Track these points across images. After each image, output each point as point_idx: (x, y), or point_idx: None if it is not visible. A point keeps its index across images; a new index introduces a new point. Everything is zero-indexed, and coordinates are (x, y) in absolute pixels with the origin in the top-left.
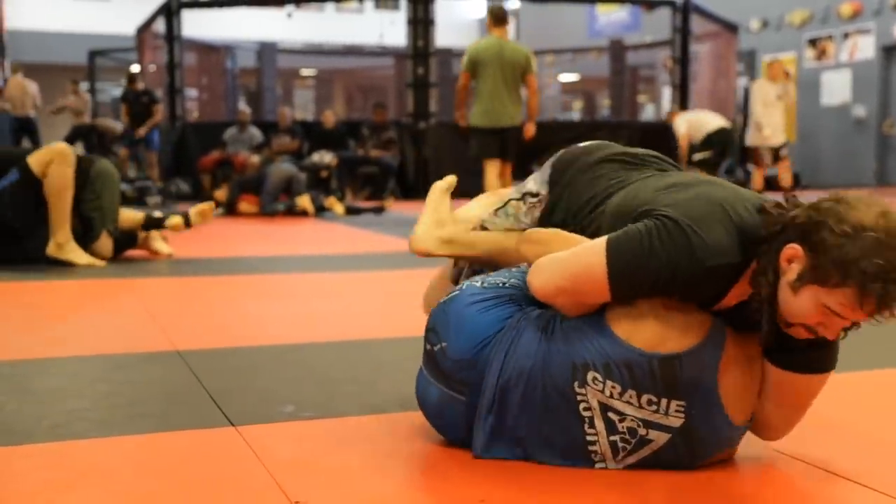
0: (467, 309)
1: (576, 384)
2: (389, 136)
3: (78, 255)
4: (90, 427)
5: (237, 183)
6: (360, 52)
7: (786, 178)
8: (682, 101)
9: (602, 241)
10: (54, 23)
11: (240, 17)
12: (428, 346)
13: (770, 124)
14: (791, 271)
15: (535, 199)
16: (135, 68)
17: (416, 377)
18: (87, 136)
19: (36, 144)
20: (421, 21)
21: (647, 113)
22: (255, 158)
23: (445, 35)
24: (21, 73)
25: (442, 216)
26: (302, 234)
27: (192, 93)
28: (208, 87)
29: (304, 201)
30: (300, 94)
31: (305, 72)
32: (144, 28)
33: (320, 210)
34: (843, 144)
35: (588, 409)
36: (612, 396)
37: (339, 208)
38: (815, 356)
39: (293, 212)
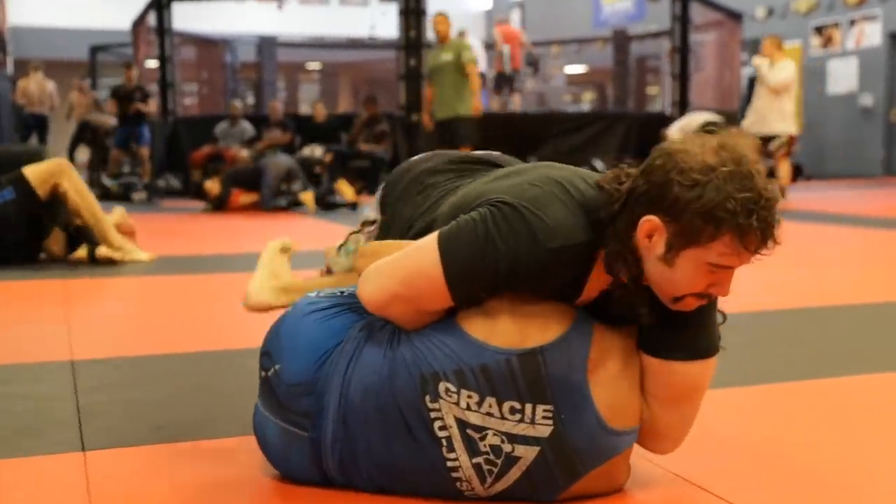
0: (302, 321)
1: (427, 399)
2: (382, 129)
3: (136, 252)
4: None
5: (230, 176)
6: (361, 45)
7: (782, 175)
8: (682, 92)
9: (433, 236)
10: (56, 19)
11: (240, 10)
12: (262, 374)
13: (753, 110)
14: (656, 245)
15: (372, 227)
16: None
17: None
18: (83, 132)
19: (42, 141)
20: (413, 11)
21: (658, 105)
22: (245, 153)
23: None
24: (41, 72)
25: (276, 269)
26: (294, 229)
27: (191, 87)
28: (208, 82)
29: (308, 198)
30: (306, 88)
31: (311, 66)
32: (139, 22)
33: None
34: (850, 133)
35: (444, 427)
36: (469, 408)
37: (310, 202)
38: (692, 340)
39: (296, 206)
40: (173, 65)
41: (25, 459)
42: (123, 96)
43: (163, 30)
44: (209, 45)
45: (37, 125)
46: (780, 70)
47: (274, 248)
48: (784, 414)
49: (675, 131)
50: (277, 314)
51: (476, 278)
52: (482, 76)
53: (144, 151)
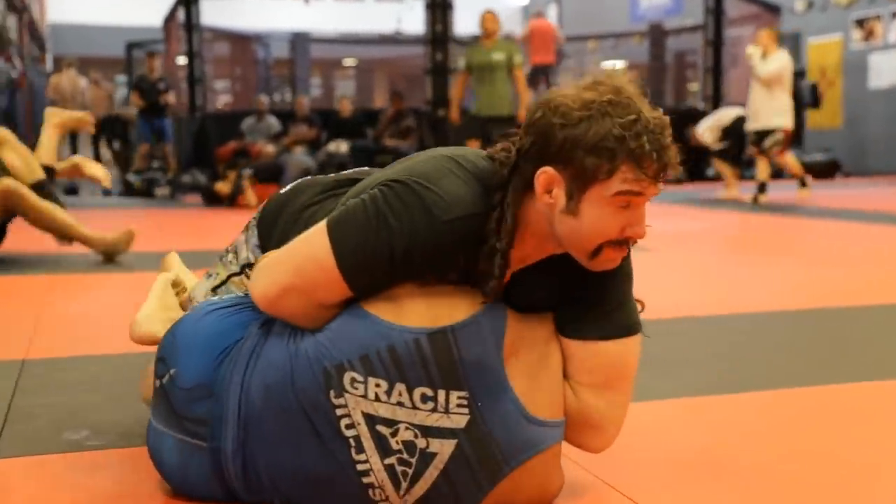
0: (201, 321)
1: (332, 394)
2: (407, 125)
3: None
4: None
5: (252, 170)
6: (394, 41)
7: (790, 167)
8: (715, 87)
9: (322, 223)
10: (94, 16)
11: (274, 6)
12: (156, 384)
13: (749, 104)
14: (558, 199)
15: (230, 255)
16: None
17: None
18: (113, 127)
19: (73, 138)
20: (439, 6)
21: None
22: (270, 148)
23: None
24: (74, 69)
25: (168, 302)
26: None
27: (225, 83)
28: (241, 78)
29: None
30: (342, 84)
31: (348, 62)
32: (170, 18)
33: None
34: (892, 129)
35: (351, 425)
36: (377, 399)
37: None
38: (611, 318)
39: None
40: (201, 60)
41: None
42: (147, 87)
43: (190, 25)
44: (242, 42)
45: None
46: (770, 62)
47: (165, 280)
48: (779, 423)
49: (704, 128)
50: None
51: (371, 261)
52: None
53: (167, 146)
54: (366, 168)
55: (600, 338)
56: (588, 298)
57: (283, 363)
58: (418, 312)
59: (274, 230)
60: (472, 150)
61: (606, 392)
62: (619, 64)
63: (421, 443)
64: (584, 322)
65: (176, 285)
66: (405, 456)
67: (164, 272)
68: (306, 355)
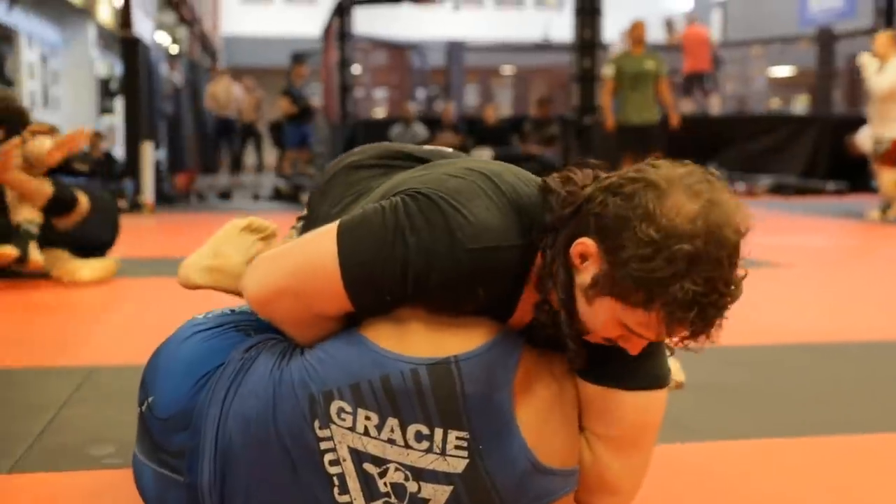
0: (182, 344)
1: (316, 424)
2: (552, 132)
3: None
4: None
5: None
6: (549, 48)
7: (884, 184)
8: None
9: (333, 224)
10: (264, 28)
11: (431, 16)
12: (138, 410)
13: (868, 114)
14: (584, 272)
15: (301, 222)
16: (301, 65)
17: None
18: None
19: (231, 144)
20: (588, 12)
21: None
22: None
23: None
24: (228, 77)
25: (222, 249)
26: None
27: (381, 91)
28: (398, 86)
29: None
30: (498, 92)
31: (505, 69)
32: (328, 29)
33: None
34: None
35: (336, 461)
36: (366, 433)
37: None
38: (638, 367)
39: None
40: (363, 68)
41: None
42: (295, 94)
43: (343, 34)
44: (399, 51)
45: (225, 129)
46: (886, 75)
47: (234, 226)
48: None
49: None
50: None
51: (379, 278)
52: None
53: (310, 152)
54: (442, 149)
55: (622, 387)
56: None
57: (265, 392)
58: (420, 340)
59: (323, 181)
60: (511, 170)
61: (624, 449)
62: (788, 70)
63: (412, 486)
64: (605, 367)
65: (258, 231)
66: (393, 500)
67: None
68: (291, 381)
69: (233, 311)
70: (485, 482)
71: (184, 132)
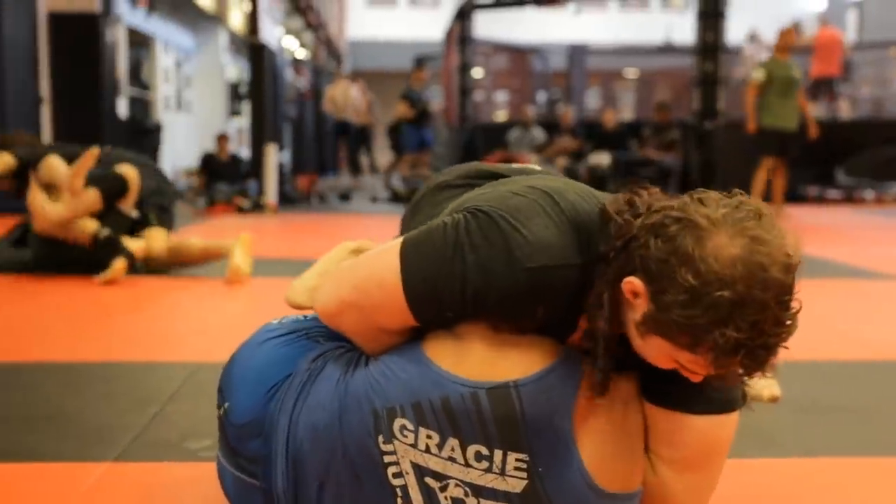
0: (255, 351)
1: (380, 439)
2: (671, 137)
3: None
4: None
5: None
6: (672, 51)
7: None
8: None
9: (398, 240)
10: (388, 31)
11: (552, 19)
12: (217, 413)
13: None
14: (636, 308)
15: None
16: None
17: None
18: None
19: (354, 145)
20: (711, 14)
21: None
22: (534, 158)
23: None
24: (347, 80)
25: (329, 269)
26: None
27: (502, 95)
28: (519, 90)
29: None
30: (622, 95)
31: (629, 73)
32: (449, 32)
33: None
34: None
35: (399, 474)
36: (428, 451)
37: None
38: (708, 389)
39: None
40: (471, 72)
41: (50, 465)
42: (414, 98)
43: (463, 38)
44: (520, 54)
45: (342, 131)
46: None
47: (344, 248)
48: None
49: None
50: None
51: (439, 292)
52: None
53: (428, 155)
54: (530, 167)
55: (688, 411)
56: None
57: (331, 404)
58: (481, 362)
59: (413, 201)
60: (575, 188)
61: (689, 472)
62: None
63: (471, 502)
64: (672, 388)
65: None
66: None
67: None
68: (356, 394)
69: (305, 317)
70: (542, 503)
71: (306, 135)
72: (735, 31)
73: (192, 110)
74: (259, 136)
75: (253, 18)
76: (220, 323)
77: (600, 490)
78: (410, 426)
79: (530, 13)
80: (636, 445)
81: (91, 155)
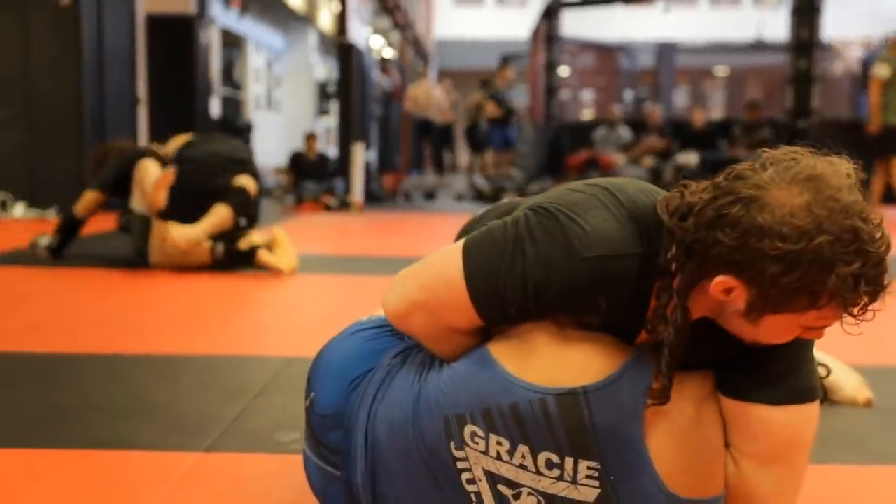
0: (342, 344)
1: (452, 445)
2: (762, 136)
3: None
4: None
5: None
6: (764, 48)
7: None
8: None
9: (462, 241)
10: (475, 30)
11: (641, 17)
12: (305, 403)
13: None
14: (735, 302)
15: None
16: (506, 68)
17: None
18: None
19: (437, 145)
20: (806, 10)
21: None
22: (620, 158)
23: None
24: (430, 80)
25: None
26: None
27: (588, 93)
28: (605, 88)
29: None
30: (712, 94)
31: (718, 71)
32: (536, 31)
33: None
34: None
35: (472, 481)
36: (499, 458)
37: None
38: (784, 379)
39: None
40: (557, 70)
41: (144, 453)
42: (500, 97)
43: (550, 37)
44: (607, 52)
45: (425, 130)
46: None
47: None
48: None
49: None
50: None
51: (502, 289)
52: None
53: (512, 154)
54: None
55: (766, 402)
56: (757, 357)
57: (406, 405)
58: (547, 365)
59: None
60: (635, 183)
61: (773, 465)
62: None
63: None
64: (749, 381)
65: None
66: None
67: None
68: (428, 399)
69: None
70: None
71: (392, 134)
72: (832, 27)
73: (282, 110)
74: (346, 135)
75: (342, 18)
76: (311, 318)
77: (676, 497)
78: (481, 433)
79: (619, 11)
80: (714, 446)
81: (168, 176)
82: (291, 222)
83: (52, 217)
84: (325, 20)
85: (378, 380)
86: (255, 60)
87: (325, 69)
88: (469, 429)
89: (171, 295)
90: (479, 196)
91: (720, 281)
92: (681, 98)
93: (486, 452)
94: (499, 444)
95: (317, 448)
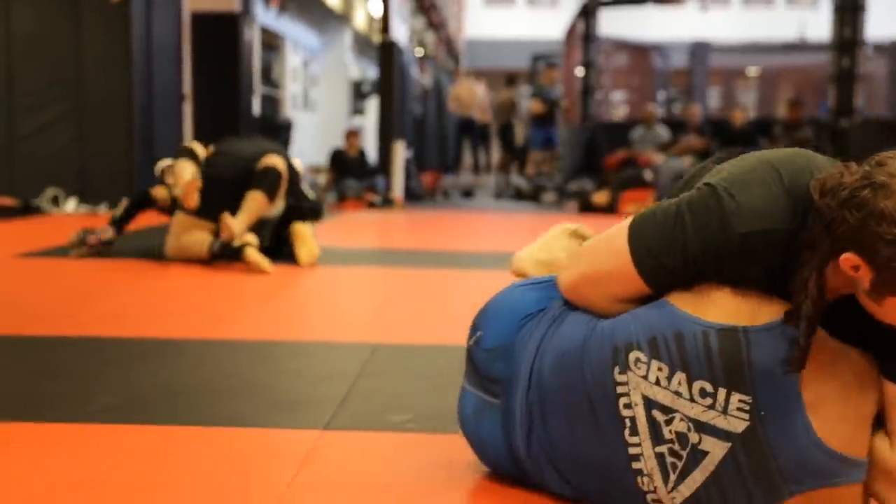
0: (511, 292)
1: (616, 370)
2: (803, 136)
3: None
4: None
5: (618, 181)
6: (799, 48)
7: None
8: None
9: (628, 219)
10: (505, 30)
11: (674, 17)
12: (468, 345)
13: None
14: (862, 279)
15: None
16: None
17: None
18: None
19: (476, 143)
20: (849, 8)
21: None
22: (659, 157)
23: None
24: (472, 78)
25: (552, 245)
26: None
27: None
28: (638, 88)
29: None
30: (743, 94)
31: (750, 71)
32: (570, 31)
33: None
34: None
35: (629, 405)
36: (657, 383)
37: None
38: None
39: None
40: (596, 71)
41: (264, 430)
42: (545, 97)
43: (588, 36)
44: (641, 52)
45: (467, 129)
46: None
47: (563, 229)
48: None
49: None
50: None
51: (665, 261)
52: None
53: (555, 153)
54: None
55: None
56: None
57: (578, 336)
58: (717, 308)
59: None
60: (804, 157)
61: None
62: None
63: (693, 437)
64: None
65: (583, 237)
66: (676, 447)
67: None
68: (602, 331)
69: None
70: (763, 447)
71: (428, 132)
72: (874, 26)
73: (317, 109)
74: (387, 133)
75: (385, 16)
76: (396, 308)
77: (825, 447)
78: (644, 358)
79: (652, 11)
80: (863, 414)
81: (194, 184)
82: (338, 219)
83: (102, 212)
84: (361, 19)
85: (550, 318)
86: (292, 60)
87: (359, 69)
88: (634, 354)
89: (224, 285)
90: (519, 195)
91: (847, 257)
92: (713, 98)
93: (646, 377)
94: (659, 369)
95: (478, 379)
